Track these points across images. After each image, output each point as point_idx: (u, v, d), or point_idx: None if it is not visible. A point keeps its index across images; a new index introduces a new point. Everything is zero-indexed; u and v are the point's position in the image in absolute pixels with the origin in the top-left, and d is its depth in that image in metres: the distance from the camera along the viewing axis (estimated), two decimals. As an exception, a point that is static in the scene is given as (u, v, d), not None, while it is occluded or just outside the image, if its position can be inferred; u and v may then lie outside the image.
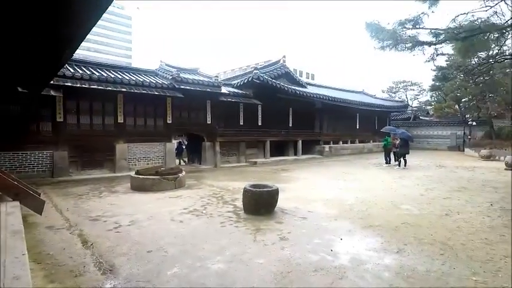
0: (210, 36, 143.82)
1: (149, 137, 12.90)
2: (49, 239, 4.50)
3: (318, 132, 20.91)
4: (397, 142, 14.39)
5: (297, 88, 17.70)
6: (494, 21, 8.98)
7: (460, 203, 6.88)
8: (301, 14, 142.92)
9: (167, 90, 12.69)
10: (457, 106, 27.43)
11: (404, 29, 9.62)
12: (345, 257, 3.83)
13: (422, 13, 9.25)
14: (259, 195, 5.76)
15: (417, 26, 9.48)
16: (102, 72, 11.90)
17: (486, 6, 9.03)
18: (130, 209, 6.34)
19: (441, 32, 9.36)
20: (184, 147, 17.23)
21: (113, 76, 11.69)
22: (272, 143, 17.62)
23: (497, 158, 17.20)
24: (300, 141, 19.24)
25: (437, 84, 28.73)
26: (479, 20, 8.88)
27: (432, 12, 9.23)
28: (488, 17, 9.01)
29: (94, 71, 11.73)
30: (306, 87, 19.65)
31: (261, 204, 5.75)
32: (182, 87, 12.89)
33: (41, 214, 4.66)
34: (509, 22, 9.00)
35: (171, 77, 12.96)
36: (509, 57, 12.04)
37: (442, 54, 13.55)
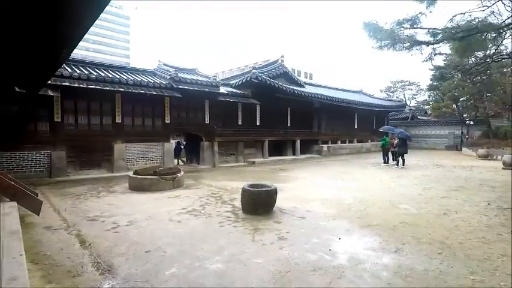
0: (208, 36, 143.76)
1: (147, 136, 12.87)
2: (47, 239, 4.48)
3: (316, 132, 20.93)
4: (395, 142, 14.44)
5: (295, 88, 17.71)
6: (492, 21, 9.02)
7: (457, 202, 6.91)
8: (300, 14, 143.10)
9: (165, 90, 12.67)
10: (454, 105, 27.51)
11: (402, 29, 9.63)
12: (343, 256, 3.84)
13: (420, 13, 9.27)
14: (257, 195, 5.76)
15: (415, 26, 9.50)
16: (100, 72, 11.86)
17: (483, 6, 9.06)
18: (129, 209, 6.33)
19: (439, 31, 9.38)
20: (182, 147, 17.20)
21: (110, 76, 11.65)
22: (270, 143, 17.63)
23: (494, 157, 17.28)
24: (298, 141, 19.26)
25: (435, 83, 28.82)
26: (477, 20, 8.91)
27: (430, 12, 9.25)
28: (485, 17, 9.05)
29: (92, 71, 11.69)
30: (304, 87, 19.66)
31: (259, 204, 5.75)
32: (180, 87, 12.87)
33: (38, 214, 4.64)
34: (506, 22, 9.04)
35: (169, 77, 12.94)
36: (506, 56, 12.08)
37: (440, 53, 13.59)
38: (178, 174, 8.99)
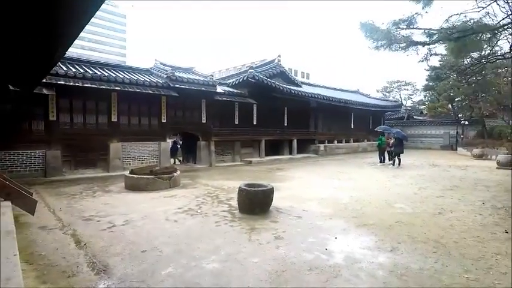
0: (204, 35, 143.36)
1: (143, 136, 12.81)
2: (41, 239, 4.44)
3: (313, 132, 20.98)
4: (391, 141, 14.53)
5: (292, 87, 17.74)
6: (487, 22, 9.10)
7: (452, 201, 6.96)
8: (297, 13, 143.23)
9: (162, 89, 12.62)
10: (450, 106, 27.73)
11: (398, 29, 9.68)
12: (340, 255, 3.85)
13: (416, 13, 9.33)
14: (254, 194, 5.76)
15: (411, 26, 9.56)
16: (96, 71, 11.77)
17: (479, 7, 9.15)
18: (125, 208, 6.29)
19: (434, 32, 9.45)
20: (179, 146, 17.14)
21: (106, 74, 11.57)
22: (267, 142, 17.64)
23: (489, 157, 17.45)
24: (295, 141, 19.29)
25: (431, 84, 29.02)
26: (472, 21, 8.98)
27: (426, 12, 9.32)
28: (480, 18, 9.13)
29: (87, 69, 11.60)
30: (301, 87, 19.69)
31: (256, 203, 5.75)
32: (177, 86, 12.82)
33: (33, 214, 4.60)
34: (501, 23, 9.13)
35: (165, 76, 12.88)
36: (501, 57, 12.20)
37: (436, 54, 13.68)
38: (175, 174, 8.96)
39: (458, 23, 9.11)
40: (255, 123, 16.90)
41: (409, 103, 41.08)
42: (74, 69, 11.00)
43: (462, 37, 8.87)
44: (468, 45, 9.38)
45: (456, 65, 17.19)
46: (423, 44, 9.78)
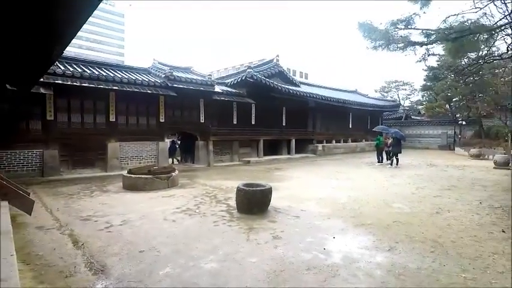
0: (204, 35, 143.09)
1: (142, 135, 12.78)
2: (39, 239, 4.42)
3: (311, 131, 21.00)
4: (389, 141, 14.56)
5: (290, 87, 17.74)
6: (484, 23, 9.14)
7: (450, 201, 6.99)
8: (295, 14, 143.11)
9: (160, 89, 12.59)
10: (447, 106, 27.80)
11: (396, 29, 9.71)
12: (338, 255, 3.86)
13: (414, 13, 9.35)
14: (252, 194, 5.76)
15: (409, 27, 9.58)
16: (94, 70, 11.73)
17: (476, 8, 9.18)
18: (122, 208, 6.28)
19: (432, 32, 9.48)
20: (177, 146, 17.12)
21: (104, 74, 11.53)
22: (265, 142, 17.64)
23: (486, 156, 17.54)
24: (294, 140, 19.30)
25: (429, 84, 29.09)
26: (469, 21, 9.01)
27: (424, 13, 9.34)
28: (478, 18, 9.16)
29: (85, 69, 11.56)
30: (299, 87, 19.70)
31: (254, 203, 5.75)
32: (175, 85, 12.80)
33: (30, 214, 4.59)
34: (498, 23, 9.17)
35: (164, 76, 12.86)
36: (498, 58, 12.25)
37: (433, 54, 13.73)
38: (173, 174, 8.95)
39: (456, 24, 9.15)
40: (253, 123, 16.90)
41: (407, 103, 41.22)
42: (71, 69, 10.95)
43: (460, 37, 8.90)
44: (465, 45, 9.41)
45: (454, 65, 17.25)
46: (421, 44, 9.81)
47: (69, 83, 10.24)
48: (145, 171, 8.68)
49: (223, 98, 14.90)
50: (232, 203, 6.38)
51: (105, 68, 12.56)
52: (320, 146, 20.73)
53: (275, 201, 6.32)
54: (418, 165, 14.74)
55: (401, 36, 9.77)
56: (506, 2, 8.95)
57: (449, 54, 11.22)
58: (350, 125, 24.46)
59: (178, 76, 13.14)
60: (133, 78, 12.25)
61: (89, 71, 11.32)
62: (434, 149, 26.59)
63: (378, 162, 15.16)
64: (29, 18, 2.45)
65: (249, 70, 15.50)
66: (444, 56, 18.88)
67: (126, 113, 12.39)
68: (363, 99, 26.76)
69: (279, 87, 16.57)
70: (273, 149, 18.66)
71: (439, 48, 12.88)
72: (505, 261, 3.65)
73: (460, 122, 25.48)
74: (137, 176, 8.45)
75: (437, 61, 24.83)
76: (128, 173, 8.73)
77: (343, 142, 23.63)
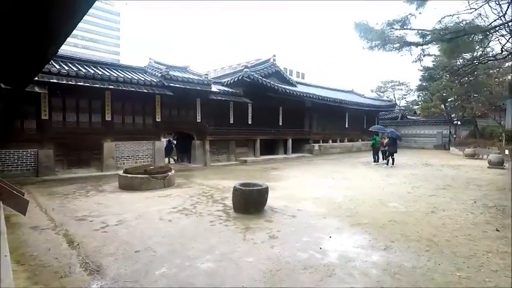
0: (199, 34, 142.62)
1: (138, 135, 12.71)
2: (33, 239, 4.39)
3: (308, 131, 21.05)
4: (385, 141, 14.64)
5: (287, 87, 17.76)
6: (479, 23, 9.22)
7: (445, 200, 7.05)
8: (292, 14, 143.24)
9: (156, 88, 12.53)
10: (443, 106, 28.05)
11: (392, 30, 9.77)
12: (334, 254, 3.87)
13: (410, 14, 9.42)
14: (248, 193, 5.76)
15: (405, 27, 9.65)
16: (89, 69, 11.65)
17: (471, 9, 9.27)
18: (118, 208, 6.24)
19: (428, 33, 9.55)
20: (173, 145, 17.06)
21: (100, 73, 11.44)
22: (262, 142, 17.65)
23: (480, 156, 17.71)
24: (290, 140, 19.33)
25: (424, 84, 29.32)
26: (464, 22, 9.10)
27: (420, 13, 9.41)
28: (472, 19, 9.25)
29: (81, 68, 11.47)
30: (296, 86, 19.73)
31: (250, 202, 5.75)
32: (171, 85, 12.75)
33: (24, 214, 4.51)
34: (492, 24, 9.26)
35: (160, 75, 12.80)
36: (492, 58, 12.38)
37: (429, 55, 13.85)
38: (169, 173, 8.92)
39: (451, 24, 9.23)
40: (250, 122, 16.89)
41: (402, 103, 41.54)
42: (67, 68, 10.85)
43: (455, 38, 8.98)
44: (460, 46, 9.50)
45: (449, 66, 17.40)
46: (416, 44, 9.89)
47: (64, 82, 10.14)
48: (142, 171, 8.64)
49: (220, 98, 14.87)
50: (229, 202, 6.37)
51: (100, 67, 12.47)
52: (316, 146, 20.78)
53: (272, 200, 6.32)
54: (414, 164, 14.84)
55: (397, 36, 9.83)
56: (500, 3, 9.04)
57: (444, 55, 11.31)
58: (346, 124, 24.55)
59: (174, 75, 13.08)
60: (130, 77, 12.17)
61: (84, 70, 11.23)
62: (430, 149, 26.80)
63: (374, 161, 15.24)
64: (23, 16, 2.42)
65: (245, 70, 15.49)
66: (439, 56, 19.00)
67: (122, 112, 12.31)
68: (359, 99, 26.87)
69: (276, 87, 16.57)
70: (270, 149, 18.67)
71: (434, 49, 12.97)
72: (499, 260, 3.69)
73: (455, 122, 25.71)
74: (133, 175, 8.40)
75: (433, 61, 25.03)
76: (124, 172, 8.68)
77: (340, 142, 23.73)
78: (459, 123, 25.39)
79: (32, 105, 10.17)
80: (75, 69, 11.04)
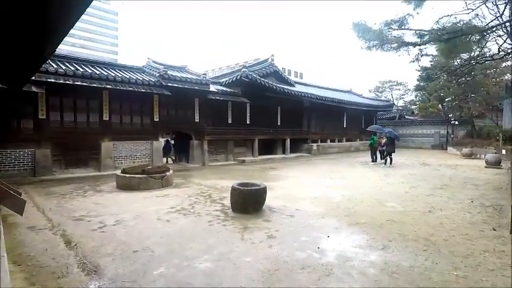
0: (197, 34, 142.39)
1: (136, 135, 12.68)
2: (30, 239, 4.37)
3: (306, 131, 21.07)
4: (383, 141, 14.69)
5: (285, 87, 17.77)
6: (476, 24, 9.27)
7: (442, 200, 7.08)
8: (291, 14, 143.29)
9: (154, 88, 12.50)
10: (440, 106, 28.17)
11: (390, 30, 9.80)
12: (332, 254, 3.88)
13: (407, 14, 9.45)
14: (247, 193, 5.76)
15: (403, 27, 9.68)
16: (87, 69, 11.60)
17: (468, 9, 9.31)
18: (116, 208, 6.23)
19: (425, 33, 9.58)
20: (171, 145, 17.02)
21: (98, 72, 11.40)
22: (260, 142, 17.65)
23: (478, 156, 17.79)
24: (288, 140, 19.35)
25: (422, 84, 29.42)
26: (462, 22, 9.14)
27: (417, 13, 9.44)
28: (470, 20, 9.30)
29: (78, 67, 11.42)
30: (294, 86, 19.75)
31: (248, 202, 5.75)
32: (170, 84, 12.73)
33: (21, 214, 4.49)
34: (489, 25, 9.31)
35: (158, 74, 12.77)
36: (489, 58, 12.44)
37: (427, 55, 13.90)
38: (167, 173, 8.90)
39: (449, 25, 9.27)
40: (248, 122, 16.89)
41: (400, 103, 41.64)
42: (64, 67, 10.81)
43: (452, 38, 9.02)
44: (458, 46, 9.55)
45: (446, 66, 17.47)
46: (414, 44, 9.92)
47: (61, 81, 10.10)
48: (139, 171, 8.62)
49: (218, 98, 14.87)
50: (227, 202, 6.37)
51: (98, 67, 12.43)
52: (315, 146, 20.81)
53: (270, 200, 6.32)
54: (412, 164, 14.89)
55: (395, 36, 9.86)
56: (497, 3, 9.09)
57: (442, 55, 11.37)
58: (345, 124, 24.61)
59: (172, 75, 13.06)
60: (127, 76, 12.13)
61: (81, 69, 11.19)
62: (427, 149, 26.90)
63: (372, 161, 15.28)
64: (20, 14, 2.41)
65: (243, 69, 15.48)
66: (437, 56, 19.11)
67: (119, 112, 12.28)
68: (357, 99, 26.93)
69: (274, 87, 16.58)
70: (268, 149, 18.68)
71: (432, 49, 13.05)
72: (496, 259, 3.71)
73: (452, 122, 25.82)
74: (131, 175, 8.38)
75: (431, 61, 25.13)
76: (122, 172, 8.66)
77: (338, 141, 23.77)
78: (456, 123, 25.50)
79: (29, 104, 10.12)
80: (72, 68, 10.99)
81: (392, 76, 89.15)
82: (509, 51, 11.62)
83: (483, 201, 6.84)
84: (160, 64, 14.01)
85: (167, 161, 15.54)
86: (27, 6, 2.25)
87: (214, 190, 8.19)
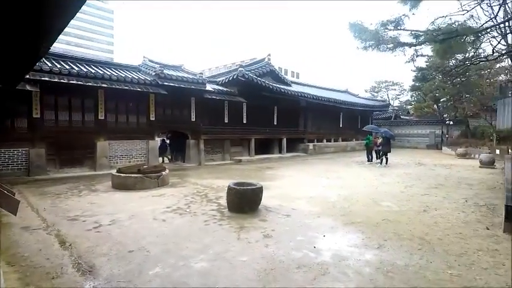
0: (194, 33, 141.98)
1: (131, 134, 12.60)
2: (24, 240, 4.32)
3: (303, 131, 21.12)
4: (379, 141, 14.77)
5: (281, 86, 17.78)
6: (471, 25, 9.35)
7: (437, 199, 7.14)
8: (288, 13, 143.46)
9: (150, 87, 12.44)
10: (435, 106, 28.39)
11: (386, 30, 9.85)
12: (328, 253, 3.89)
13: (403, 15, 9.51)
14: (243, 193, 5.76)
15: (398, 27, 9.73)
16: (82, 67, 11.51)
17: (463, 10, 9.40)
18: (111, 208, 6.19)
19: (421, 33, 9.65)
20: (167, 145, 16.96)
21: (93, 71, 11.32)
22: (257, 141, 17.66)
23: (472, 156, 17.96)
24: (285, 139, 19.38)
25: (417, 84, 29.64)
26: (457, 23, 9.22)
27: (413, 14, 9.50)
28: (465, 21, 9.39)
29: (73, 66, 11.32)
30: (290, 86, 19.76)
31: (245, 202, 5.75)
32: (166, 83, 12.67)
33: (15, 214, 4.45)
34: (484, 26, 9.39)
35: (154, 73, 12.71)
36: (484, 59, 12.57)
37: (422, 55, 14.03)
38: (163, 173, 8.87)
39: (444, 26, 9.34)
40: (244, 121, 16.88)
41: (396, 103, 41.94)
42: (59, 66, 10.70)
43: (447, 39, 9.09)
44: (453, 47, 9.62)
45: (441, 67, 17.64)
46: (410, 45, 9.98)
47: (56, 80, 9.99)
48: (135, 170, 8.57)
49: (214, 97, 14.83)
50: (223, 202, 6.36)
51: (93, 65, 12.33)
52: (311, 145, 20.86)
53: (266, 200, 6.33)
54: (407, 164, 14.99)
55: (391, 37, 9.91)
56: (492, 5, 9.18)
57: (437, 56, 11.45)
58: (341, 124, 24.70)
59: (168, 74, 13.00)
60: (123, 75, 12.05)
61: (77, 68, 11.09)
62: (423, 148, 27.11)
63: (368, 161, 15.36)
64: (14, 12, 2.38)
65: (240, 69, 15.46)
66: (432, 57, 19.25)
67: (115, 111, 12.20)
68: (353, 99, 27.03)
69: (271, 86, 16.59)
70: (265, 148, 18.70)
71: (427, 50, 13.14)
72: (489, 258, 3.75)
73: (447, 122, 26.05)
74: (127, 175, 8.33)
75: (426, 62, 25.34)
76: (117, 172, 8.61)
77: (334, 141, 23.86)
78: (451, 123, 25.74)
79: (23, 103, 10.01)
80: (67, 67, 10.89)
81: (388, 76, 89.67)
82: (503, 52, 11.76)
83: (477, 201, 6.91)
84: (156, 63, 13.94)
85: (163, 161, 15.49)
86: (21, 4, 2.23)
87: (211, 190, 8.18)
